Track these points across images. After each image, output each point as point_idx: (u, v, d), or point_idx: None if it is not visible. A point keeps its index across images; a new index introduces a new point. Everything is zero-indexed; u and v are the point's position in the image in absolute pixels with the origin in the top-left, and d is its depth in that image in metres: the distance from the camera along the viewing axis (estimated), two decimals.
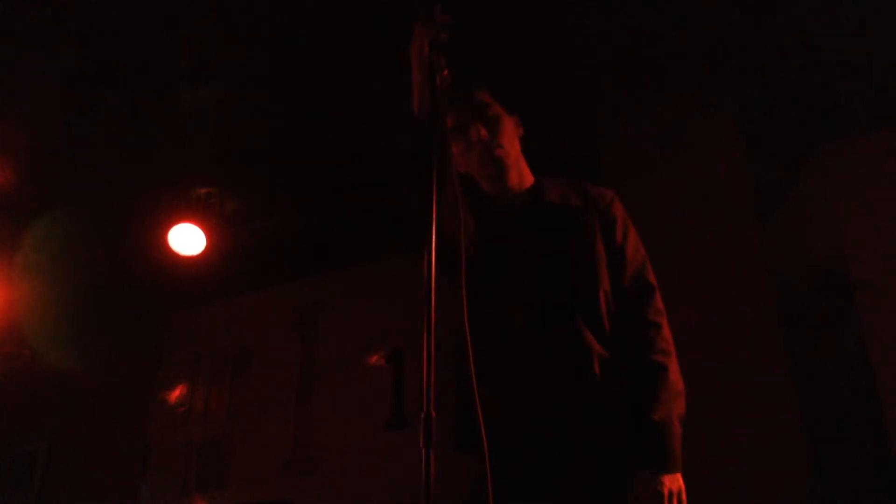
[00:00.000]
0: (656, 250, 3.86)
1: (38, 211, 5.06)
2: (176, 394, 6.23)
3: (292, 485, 5.38)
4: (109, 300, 6.18)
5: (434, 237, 1.51)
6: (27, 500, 6.41)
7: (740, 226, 3.82)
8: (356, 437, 5.22)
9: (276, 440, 5.61)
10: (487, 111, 2.12)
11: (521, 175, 2.16)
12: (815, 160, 4.24)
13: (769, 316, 3.61)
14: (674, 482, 1.77)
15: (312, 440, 5.49)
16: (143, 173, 4.83)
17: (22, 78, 3.96)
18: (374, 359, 5.36)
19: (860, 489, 3.48)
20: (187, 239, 4.95)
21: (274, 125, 4.49)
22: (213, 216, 4.98)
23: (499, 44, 3.78)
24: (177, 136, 4.51)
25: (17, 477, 6.53)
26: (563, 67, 4.05)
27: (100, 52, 3.84)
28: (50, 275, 5.60)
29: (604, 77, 4.15)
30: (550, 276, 1.94)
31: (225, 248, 5.21)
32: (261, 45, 3.91)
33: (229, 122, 4.42)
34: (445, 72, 1.78)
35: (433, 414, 1.33)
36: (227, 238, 5.18)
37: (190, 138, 4.51)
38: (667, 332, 1.96)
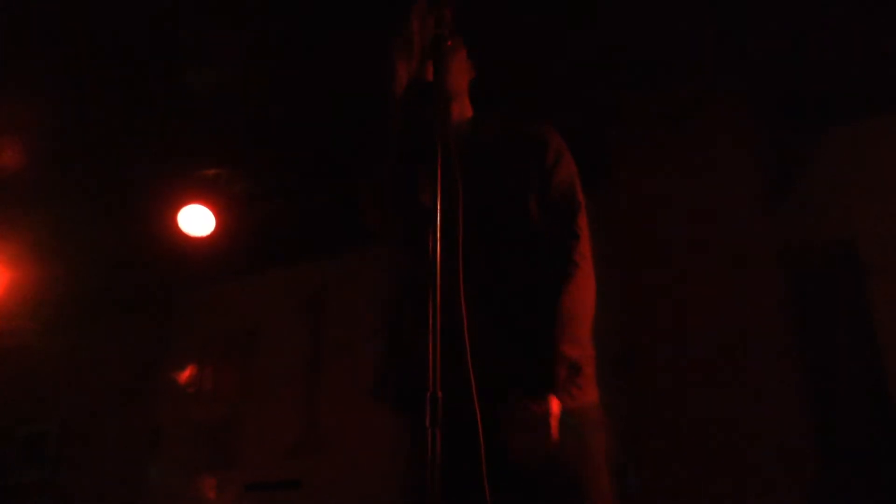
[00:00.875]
0: (666, 233, 3.88)
1: (48, 192, 5.07)
2: (185, 374, 6.26)
3: (300, 465, 5.41)
4: (120, 281, 6.20)
5: (439, 211, 1.50)
6: (39, 480, 6.47)
7: (750, 209, 3.81)
8: (364, 417, 5.23)
9: (284, 421, 5.63)
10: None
11: (462, 111, 2.14)
12: (825, 143, 4.21)
13: (779, 298, 3.60)
14: (541, 405, 1.63)
15: (320, 421, 5.51)
16: (153, 155, 4.82)
17: (28, 58, 3.96)
18: None
19: (868, 471, 3.47)
20: (197, 220, 4.97)
21: (283, 106, 4.47)
22: (221, 197, 4.99)
23: (506, 27, 3.75)
24: (186, 117, 4.50)
25: (29, 456, 6.59)
26: (571, 52, 4.01)
27: (106, 32, 3.83)
28: (60, 256, 5.62)
29: (613, 61, 4.12)
30: (478, 206, 1.87)
31: (234, 229, 5.22)
32: (270, 24, 3.89)
33: (238, 103, 4.41)
34: (449, 42, 1.80)
35: (439, 394, 1.33)
36: (235, 219, 5.18)
37: (198, 119, 4.50)
38: (584, 246, 1.88)
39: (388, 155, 1.88)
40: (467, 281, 1.68)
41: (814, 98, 4.06)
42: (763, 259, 3.69)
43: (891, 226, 3.89)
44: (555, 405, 1.63)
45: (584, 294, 1.81)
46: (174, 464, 5.98)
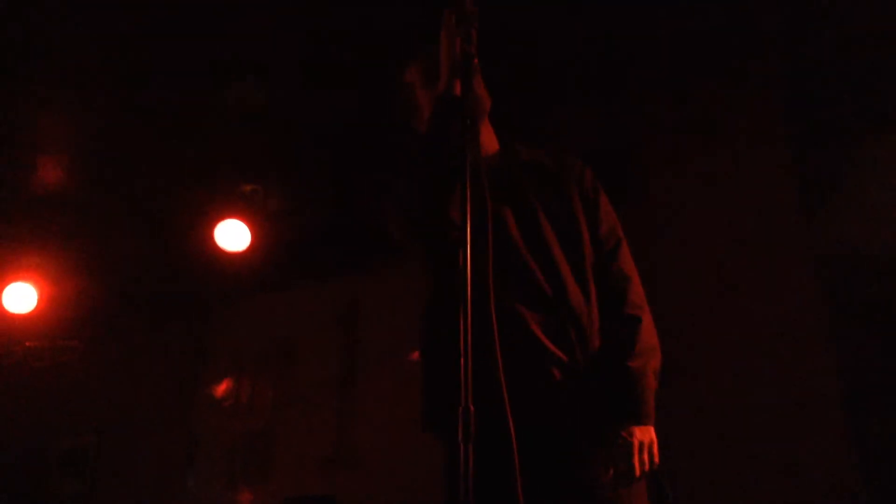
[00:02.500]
0: (701, 243, 3.85)
1: (88, 208, 5.15)
2: (221, 387, 6.31)
3: (334, 479, 5.41)
4: (157, 295, 6.28)
5: (469, 226, 1.50)
6: (80, 492, 6.56)
7: (787, 215, 3.78)
8: (398, 432, 5.23)
9: (318, 435, 5.64)
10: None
11: (490, 134, 2.16)
12: (863, 149, 4.15)
13: (817, 306, 3.56)
14: (645, 434, 1.75)
15: (355, 435, 5.52)
16: (191, 170, 4.89)
17: (69, 72, 4.03)
18: (416, 354, 5.36)
19: None
20: (233, 235, 5.03)
21: (319, 122, 4.51)
22: (257, 212, 5.05)
23: (533, 27, 3.74)
24: (223, 133, 4.56)
25: (68, 469, 6.67)
26: (601, 55, 3.99)
27: (146, 47, 3.89)
28: (99, 269, 5.70)
29: (645, 65, 4.10)
30: (531, 240, 1.92)
31: (269, 244, 5.27)
32: (308, 41, 3.93)
33: (275, 119, 4.45)
34: (476, 60, 1.82)
35: (471, 408, 1.32)
36: (271, 234, 5.23)
37: (236, 135, 4.56)
38: (638, 286, 1.95)
39: (416, 171, 1.87)
40: (507, 299, 1.77)
41: (853, 104, 4.00)
42: (799, 268, 3.66)
43: None
44: (653, 432, 1.78)
45: (652, 324, 1.89)
46: (211, 476, 6.03)
